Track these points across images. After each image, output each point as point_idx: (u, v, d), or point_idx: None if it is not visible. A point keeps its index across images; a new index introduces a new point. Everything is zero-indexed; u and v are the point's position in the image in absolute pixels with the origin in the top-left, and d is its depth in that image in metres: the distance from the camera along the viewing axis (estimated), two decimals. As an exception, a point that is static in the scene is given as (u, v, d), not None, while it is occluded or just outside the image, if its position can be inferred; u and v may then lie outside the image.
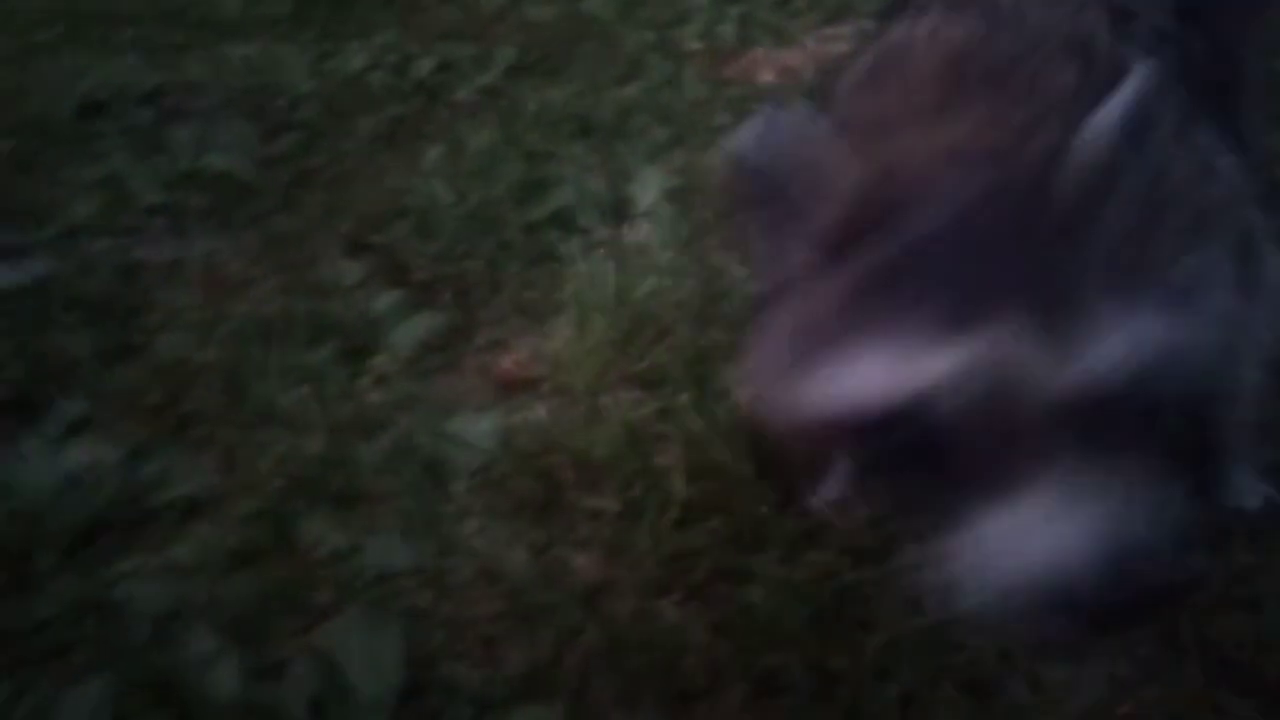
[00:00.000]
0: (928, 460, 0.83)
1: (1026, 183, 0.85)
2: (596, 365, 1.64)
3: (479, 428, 1.54)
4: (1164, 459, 0.84)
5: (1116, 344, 0.81)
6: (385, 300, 1.80)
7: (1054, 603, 0.78)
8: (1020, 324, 0.79)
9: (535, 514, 1.46)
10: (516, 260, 1.90)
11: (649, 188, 2.10)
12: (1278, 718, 1.15)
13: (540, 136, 2.38)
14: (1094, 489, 0.79)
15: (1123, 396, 0.81)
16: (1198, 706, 1.16)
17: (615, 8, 3.22)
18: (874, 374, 0.83)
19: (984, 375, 0.80)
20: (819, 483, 1.43)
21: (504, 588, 1.34)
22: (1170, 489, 0.82)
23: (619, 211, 2.06)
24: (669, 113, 2.53)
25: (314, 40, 2.71)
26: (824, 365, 0.86)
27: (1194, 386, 0.92)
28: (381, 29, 2.91)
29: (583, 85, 2.69)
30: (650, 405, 1.56)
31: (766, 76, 2.80)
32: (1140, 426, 0.83)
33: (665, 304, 1.72)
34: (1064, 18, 1.02)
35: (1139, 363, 0.81)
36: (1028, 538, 0.79)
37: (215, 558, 1.36)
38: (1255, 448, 1.36)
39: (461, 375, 1.68)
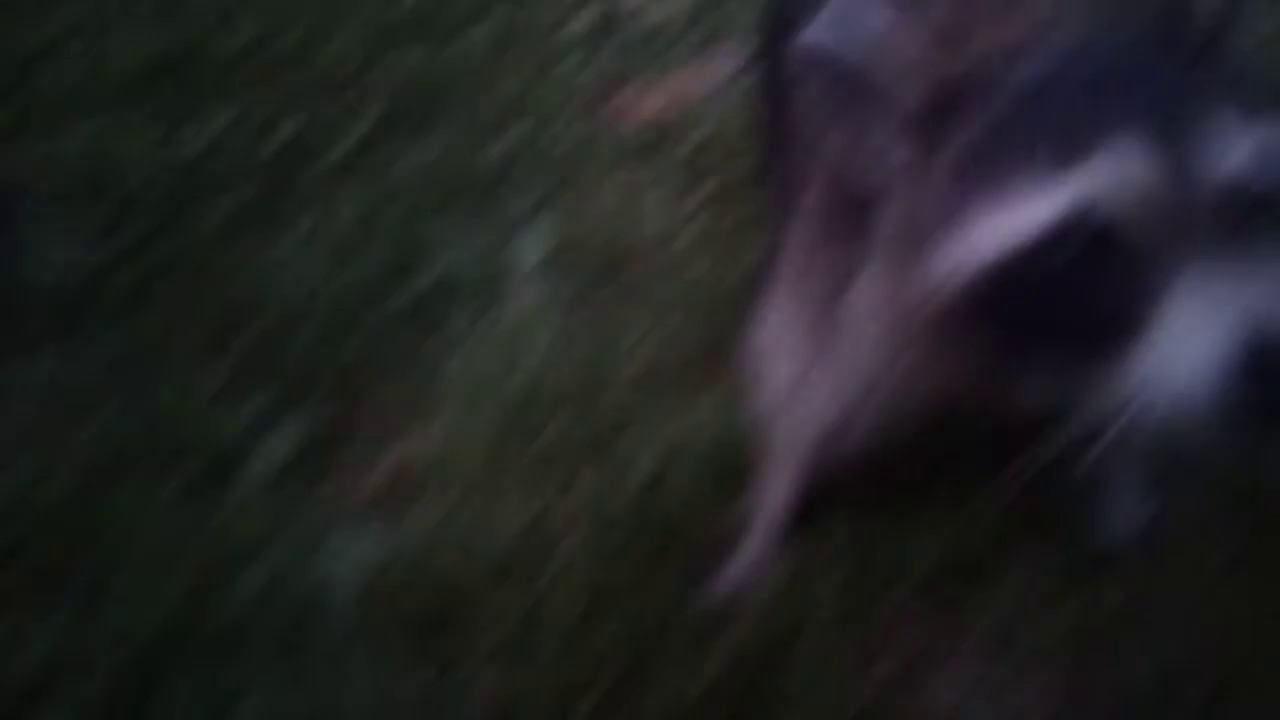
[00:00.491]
0: (1073, 299, 0.83)
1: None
2: (484, 456, 1.52)
3: (360, 546, 1.41)
4: None
5: (1245, 148, 0.82)
6: (249, 409, 1.65)
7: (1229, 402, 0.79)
8: (1144, 140, 0.80)
9: (430, 633, 1.34)
10: (393, 347, 1.77)
11: (530, 250, 1.98)
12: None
13: (412, 202, 2.24)
14: (1240, 289, 0.80)
15: (1257, 197, 0.82)
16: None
17: (484, 50, 3.09)
18: (1004, 224, 0.83)
19: (1113, 196, 0.80)
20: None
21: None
22: None
23: (500, 279, 1.93)
24: (548, 163, 2.41)
25: (154, 116, 2.50)
26: (955, 230, 0.86)
27: None
28: (231, 96, 2.72)
29: (454, 139, 2.56)
30: (545, 493, 1.45)
31: (648, 111, 2.69)
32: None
33: (553, 379, 1.61)
34: None
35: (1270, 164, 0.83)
36: (1188, 348, 0.80)
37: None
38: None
39: (339, 484, 1.54)
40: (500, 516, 1.45)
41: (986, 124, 0.87)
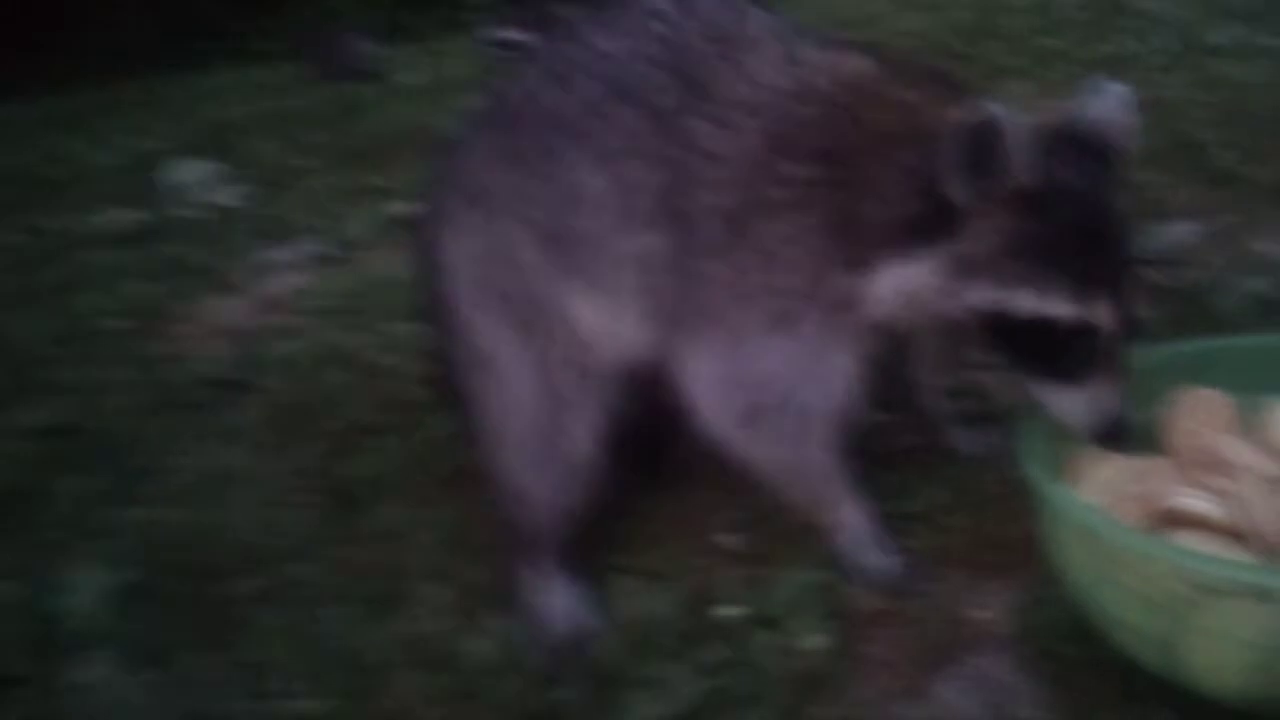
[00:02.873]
0: None
1: None
2: None
3: None
4: None
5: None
6: None
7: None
8: None
9: None
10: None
11: (89, 594, 1.50)
12: None
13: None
14: None
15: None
16: None
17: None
18: None
19: None
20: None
21: None
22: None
23: (47, 644, 1.45)
24: (102, 439, 1.94)
25: None
26: None
27: None
28: None
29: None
30: None
31: (208, 344, 2.28)
32: None
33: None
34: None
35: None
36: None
37: None
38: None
39: None
40: None
41: None
